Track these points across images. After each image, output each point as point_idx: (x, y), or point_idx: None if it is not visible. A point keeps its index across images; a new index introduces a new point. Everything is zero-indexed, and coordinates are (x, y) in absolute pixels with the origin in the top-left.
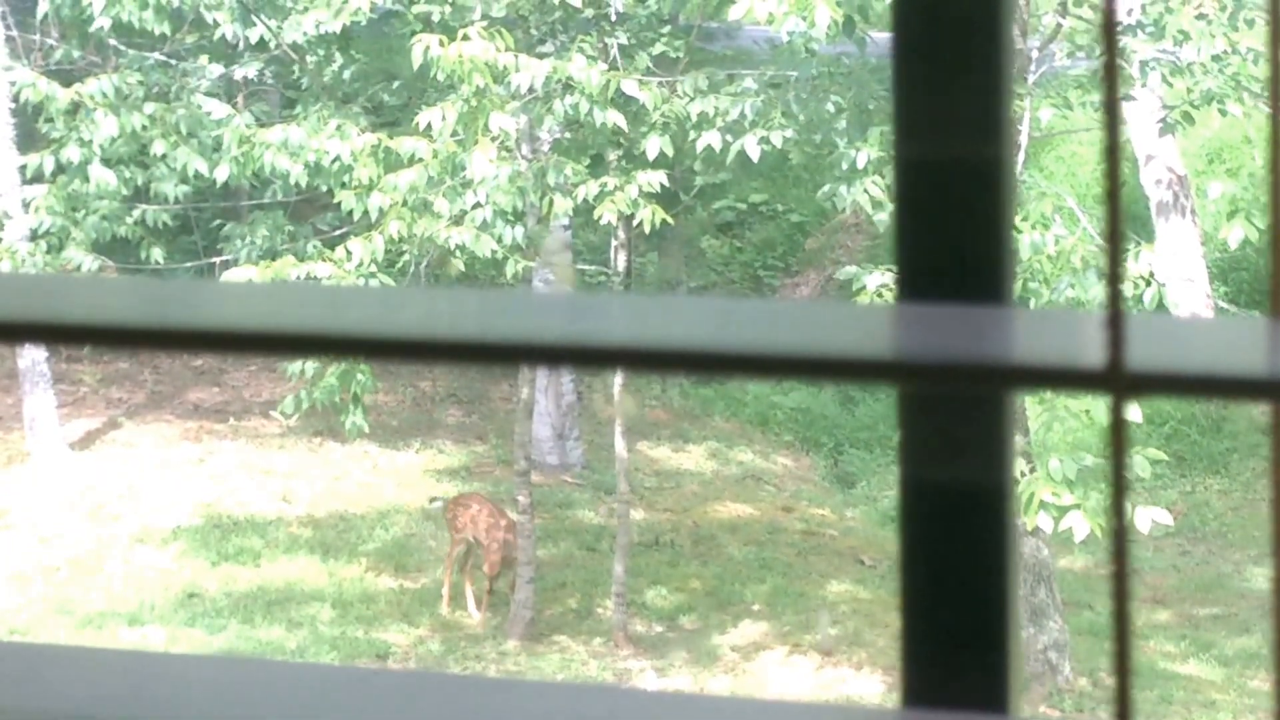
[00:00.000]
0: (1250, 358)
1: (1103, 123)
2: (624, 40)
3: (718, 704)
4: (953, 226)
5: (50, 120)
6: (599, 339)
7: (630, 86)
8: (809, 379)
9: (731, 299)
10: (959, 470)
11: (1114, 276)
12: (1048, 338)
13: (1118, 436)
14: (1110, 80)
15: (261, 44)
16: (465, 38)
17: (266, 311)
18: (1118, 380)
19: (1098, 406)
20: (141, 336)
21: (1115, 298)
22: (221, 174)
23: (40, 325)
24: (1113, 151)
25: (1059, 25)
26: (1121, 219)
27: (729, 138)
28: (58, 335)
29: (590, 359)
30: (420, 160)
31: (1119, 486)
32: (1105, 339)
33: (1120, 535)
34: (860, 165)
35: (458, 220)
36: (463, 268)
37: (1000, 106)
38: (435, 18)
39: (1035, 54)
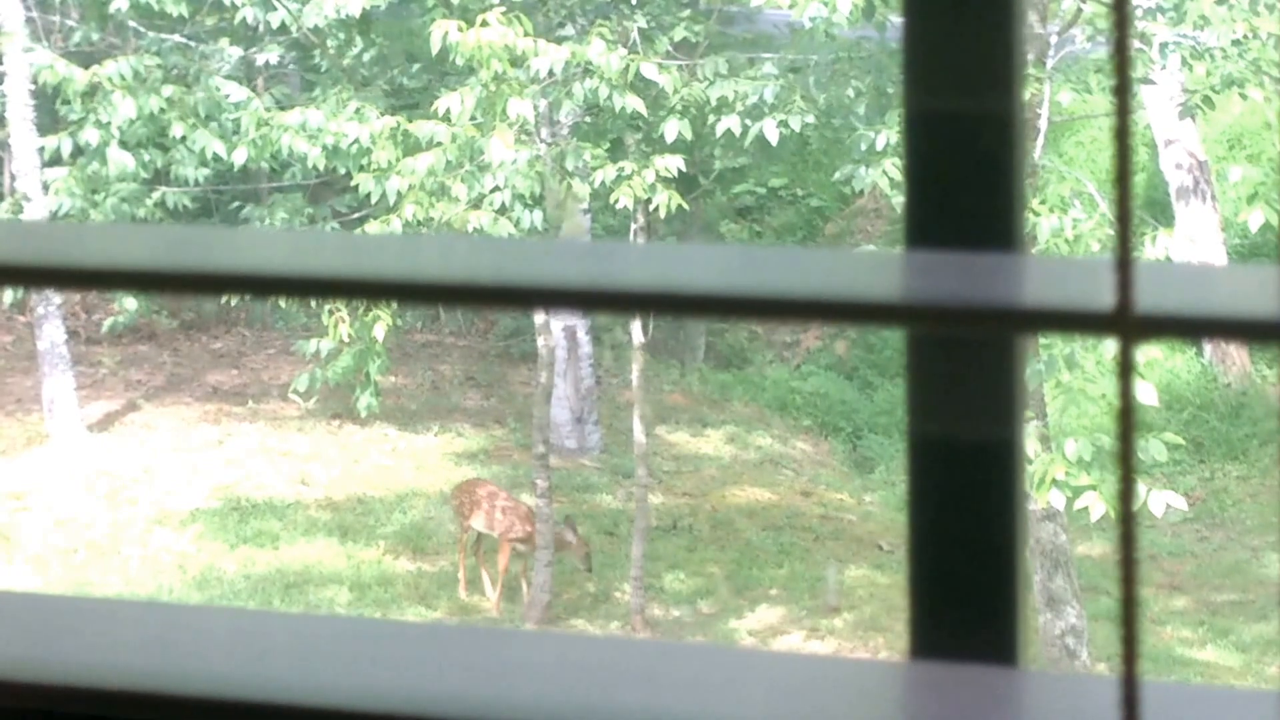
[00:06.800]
0: (1259, 302)
1: (1112, 58)
2: (643, 24)
3: (727, 654)
4: (964, 176)
5: (68, 102)
6: (613, 283)
7: (650, 70)
8: (821, 321)
9: (745, 246)
10: (968, 424)
11: (1123, 217)
12: (1058, 283)
13: (1125, 380)
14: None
15: (282, 28)
16: (484, 23)
17: (285, 256)
18: (1126, 322)
19: (1115, 389)
20: (164, 280)
21: (1124, 241)
22: (239, 157)
23: (60, 270)
24: (1122, 91)
25: (1079, 9)
26: (1130, 161)
27: (748, 121)
28: (77, 280)
29: (604, 303)
30: (439, 144)
31: (1127, 427)
32: (1114, 282)
33: (1127, 479)
34: (879, 147)
35: (476, 204)
36: None
37: (1011, 58)
38: (455, 1)
39: (1055, 38)
